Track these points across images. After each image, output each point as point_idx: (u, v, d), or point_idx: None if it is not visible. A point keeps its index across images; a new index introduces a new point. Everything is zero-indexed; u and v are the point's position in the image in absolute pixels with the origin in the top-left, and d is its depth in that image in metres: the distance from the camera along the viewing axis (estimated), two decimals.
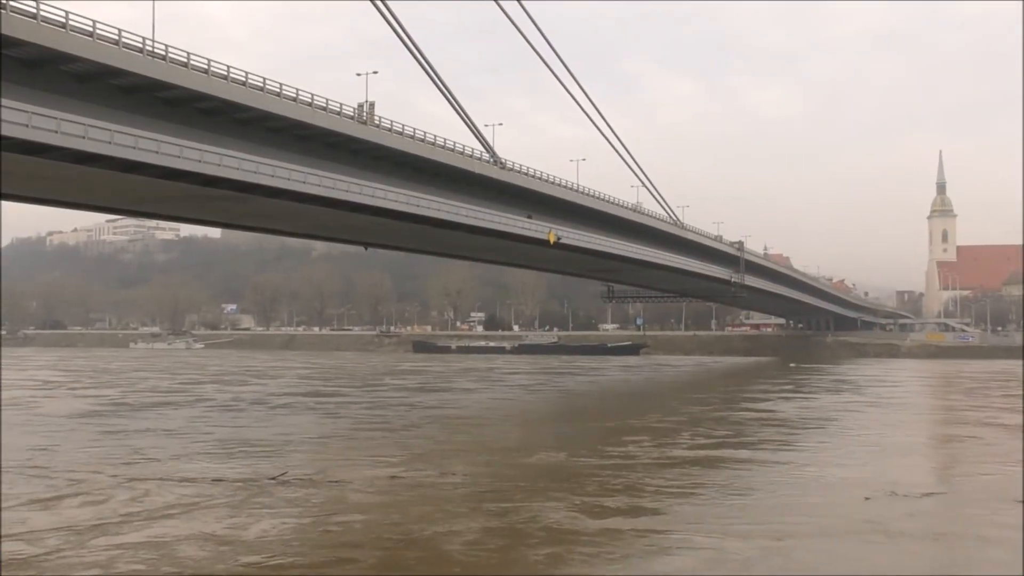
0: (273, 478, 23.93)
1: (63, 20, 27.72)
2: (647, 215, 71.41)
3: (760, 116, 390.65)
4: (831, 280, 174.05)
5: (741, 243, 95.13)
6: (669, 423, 40.65)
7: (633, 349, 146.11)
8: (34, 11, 26.85)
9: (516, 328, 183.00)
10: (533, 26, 49.21)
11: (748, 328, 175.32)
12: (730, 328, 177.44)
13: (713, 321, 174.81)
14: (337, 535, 18.43)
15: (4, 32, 25.75)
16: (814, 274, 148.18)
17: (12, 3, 26.29)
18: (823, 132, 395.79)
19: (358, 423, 40.30)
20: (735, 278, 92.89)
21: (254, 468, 26.13)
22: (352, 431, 37.52)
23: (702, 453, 30.15)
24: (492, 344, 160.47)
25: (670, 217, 75.24)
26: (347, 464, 27.30)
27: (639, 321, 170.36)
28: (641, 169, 65.20)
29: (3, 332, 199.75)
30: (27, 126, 26.53)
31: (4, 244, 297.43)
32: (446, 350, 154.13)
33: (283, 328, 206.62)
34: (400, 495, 22.59)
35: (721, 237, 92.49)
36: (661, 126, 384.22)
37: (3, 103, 25.86)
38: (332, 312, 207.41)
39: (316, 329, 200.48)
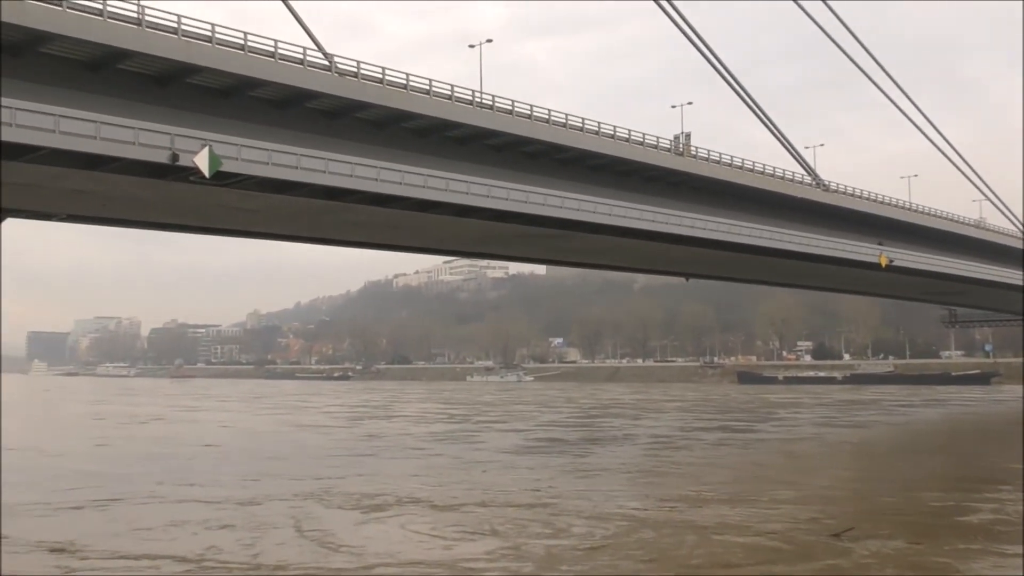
0: (836, 535, 20.62)
1: (404, 82, 30.77)
2: (992, 231, 65.98)
3: None
4: None
5: None
6: None
7: (983, 378, 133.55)
8: (380, 76, 30.07)
9: (847, 357, 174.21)
10: (853, 40, 47.80)
11: None
12: None
13: None
14: None
15: (357, 98, 29.07)
16: None
17: (363, 71, 29.59)
18: None
19: (841, 466, 36.37)
20: None
21: (791, 514, 23.48)
22: (851, 477, 32.90)
23: None
24: (821, 374, 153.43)
25: (1021, 231, 68.82)
26: (909, 521, 22.91)
27: (988, 347, 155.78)
28: (983, 180, 60.68)
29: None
30: (376, 180, 29.59)
31: (358, 288, 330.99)
32: (772, 380, 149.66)
33: (607, 360, 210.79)
34: None
35: None
36: (1008, 130, 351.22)
37: (356, 160, 29.11)
38: (655, 344, 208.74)
39: (639, 361, 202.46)
